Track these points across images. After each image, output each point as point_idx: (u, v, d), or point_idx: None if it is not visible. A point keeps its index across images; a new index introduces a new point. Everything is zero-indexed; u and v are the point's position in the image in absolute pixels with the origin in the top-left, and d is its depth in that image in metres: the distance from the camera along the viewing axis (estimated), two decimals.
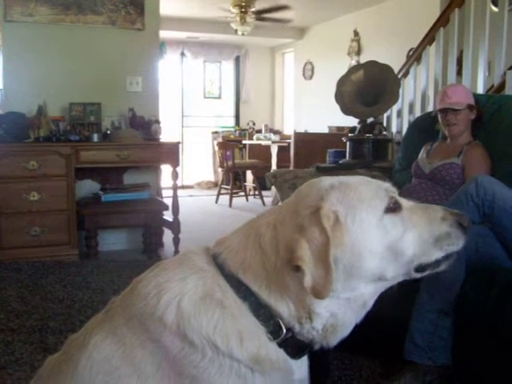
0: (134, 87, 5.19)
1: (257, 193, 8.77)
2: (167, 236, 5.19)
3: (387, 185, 1.14)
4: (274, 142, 9.09)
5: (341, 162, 4.92)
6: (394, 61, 5.65)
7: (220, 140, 9.73)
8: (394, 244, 1.07)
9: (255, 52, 11.70)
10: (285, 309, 1.06)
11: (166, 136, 5.50)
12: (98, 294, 3.67)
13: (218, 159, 8.99)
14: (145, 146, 4.86)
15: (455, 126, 3.06)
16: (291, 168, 7.00)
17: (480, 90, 4.74)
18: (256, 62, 11.75)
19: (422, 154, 3.28)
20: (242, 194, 9.02)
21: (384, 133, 5.05)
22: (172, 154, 4.93)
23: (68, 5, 4.84)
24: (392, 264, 1.08)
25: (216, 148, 8.85)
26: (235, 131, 11.30)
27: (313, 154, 6.78)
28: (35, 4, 4.73)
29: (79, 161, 4.56)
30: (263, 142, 9.51)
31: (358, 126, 5.01)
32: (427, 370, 2.26)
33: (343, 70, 5.40)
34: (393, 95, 4.77)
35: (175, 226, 4.99)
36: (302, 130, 9.04)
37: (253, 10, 8.20)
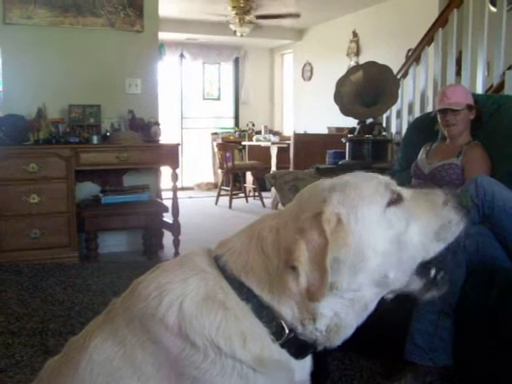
0: (133, 89, 5.19)
1: (256, 194, 8.77)
2: (167, 238, 5.18)
3: (386, 178, 1.14)
4: (273, 143, 9.09)
5: (340, 162, 4.92)
6: (393, 61, 5.65)
7: (219, 141, 9.72)
8: (398, 237, 1.07)
9: (254, 53, 11.71)
10: (288, 311, 1.05)
11: (166, 138, 5.50)
12: (99, 296, 3.66)
13: (217, 160, 8.99)
14: (144, 147, 4.86)
15: (454, 126, 3.06)
16: (291, 169, 7.01)
17: (479, 90, 4.74)
18: (255, 64, 11.75)
19: (421, 154, 3.28)
20: (242, 195, 9.02)
21: (383, 133, 5.05)
22: (171, 155, 4.93)
23: (67, 7, 4.84)
24: (396, 261, 1.07)
25: (215, 149, 8.85)
26: (235, 132, 11.31)
27: (312, 154, 6.77)
28: (34, 6, 4.74)
29: (79, 163, 4.56)
30: (263, 143, 9.51)
31: (358, 127, 5.01)
32: (428, 370, 2.26)
33: (342, 71, 5.40)
34: (392, 96, 4.77)
35: (175, 228, 4.99)
36: (302, 131, 9.04)
37: (256, 14, 8.21)
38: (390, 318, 2.57)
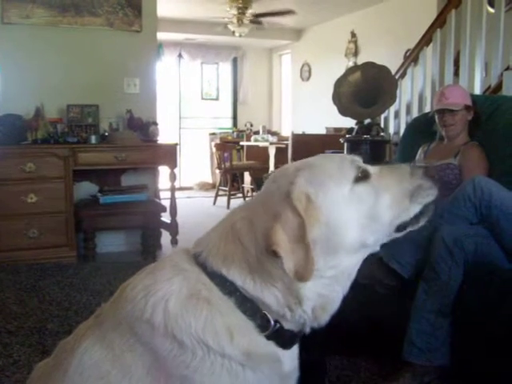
0: (131, 89, 5.18)
1: (254, 194, 8.76)
2: (165, 237, 5.19)
3: (351, 156, 1.16)
4: (271, 144, 9.08)
5: None
6: (392, 62, 5.65)
7: (217, 141, 9.72)
8: (370, 211, 1.08)
9: (252, 53, 11.71)
10: (272, 298, 1.06)
11: (164, 137, 5.51)
12: (96, 295, 3.66)
13: (215, 161, 8.98)
14: (143, 147, 4.85)
15: (452, 126, 3.06)
16: None
17: (477, 90, 4.74)
18: (253, 64, 11.76)
19: (419, 154, 3.28)
20: (240, 195, 9.02)
21: (381, 134, 5.06)
22: (170, 155, 4.93)
23: (65, 7, 4.84)
24: (373, 230, 1.09)
25: (214, 149, 8.84)
26: (233, 132, 11.30)
27: (310, 155, 6.63)
28: (32, 6, 4.73)
29: (77, 163, 4.55)
30: (261, 144, 9.50)
31: (356, 127, 5.01)
32: (425, 370, 2.26)
33: (340, 72, 5.41)
34: (390, 96, 4.77)
35: (173, 228, 4.99)
36: (300, 132, 9.03)
37: (253, 12, 8.21)
38: (388, 318, 2.58)
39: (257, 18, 8.48)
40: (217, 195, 8.65)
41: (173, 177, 5.01)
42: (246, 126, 11.56)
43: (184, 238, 5.02)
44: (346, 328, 2.18)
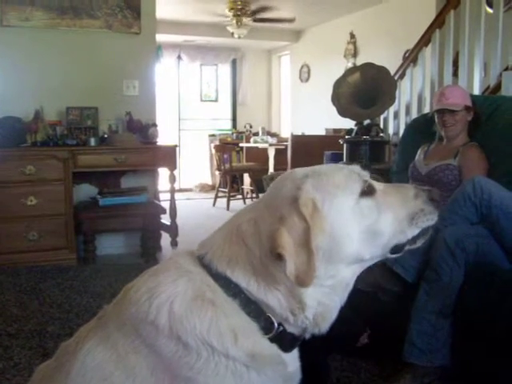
0: (130, 91, 5.19)
1: (254, 196, 8.77)
2: (165, 239, 5.18)
3: (359, 169, 1.16)
4: (271, 145, 9.09)
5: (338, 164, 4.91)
6: (391, 62, 5.65)
7: (217, 143, 9.72)
8: (371, 226, 1.09)
9: (251, 55, 11.71)
10: (275, 301, 1.06)
11: (163, 139, 5.51)
12: (97, 298, 3.66)
13: (215, 162, 8.99)
14: (142, 149, 4.86)
15: (452, 127, 3.06)
16: (288, 170, 6.99)
17: (476, 91, 4.74)
18: (252, 65, 11.76)
19: (418, 155, 3.28)
20: (240, 196, 9.02)
21: (381, 134, 5.05)
22: (169, 157, 4.94)
23: (64, 9, 4.84)
24: (370, 246, 1.10)
25: (213, 151, 8.84)
26: (232, 134, 11.30)
27: (310, 156, 6.75)
28: (31, 9, 4.73)
29: (77, 165, 4.55)
30: (260, 145, 9.51)
31: (355, 128, 5.01)
32: (426, 371, 2.26)
33: (339, 73, 5.41)
34: (389, 97, 4.77)
35: (173, 230, 4.99)
36: (299, 133, 9.04)
37: (249, 13, 8.23)
38: (388, 319, 2.58)
39: (256, 22, 8.50)
40: (216, 197, 8.65)
41: (172, 178, 5.01)
42: (245, 127, 11.55)
43: (184, 240, 5.02)
44: (346, 329, 2.18)
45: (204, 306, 1.04)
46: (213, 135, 11.11)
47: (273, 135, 10.74)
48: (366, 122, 5.00)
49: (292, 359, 1.14)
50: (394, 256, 1.17)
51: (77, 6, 4.87)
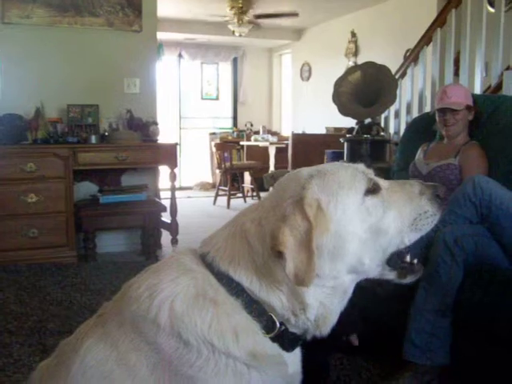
0: (131, 89, 5.19)
1: (255, 194, 8.77)
2: (165, 237, 5.19)
3: (363, 167, 1.17)
4: (271, 144, 9.10)
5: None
6: (392, 61, 5.65)
7: (218, 141, 9.73)
8: (376, 224, 1.09)
9: (252, 53, 11.71)
10: (277, 301, 1.07)
11: (164, 137, 5.51)
12: (97, 295, 3.66)
13: (215, 160, 8.99)
14: (143, 147, 4.85)
15: (453, 126, 3.06)
16: (289, 169, 7.00)
17: (477, 90, 4.74)
18: (253, 64, 11.76)
19: (418, 154, 3.28)
20: (240, 195, 9.03)
21: (381, 133, 5.05)
22: (170, 155, 4.93)
23: (65, 7, 4.84)
24: (371, 247, 1.09)
25: (214, 149, 8.85)
26: (233, 132, 11.31)
27: (311, 155, 6.78)
28: (32, 6, 4.73)
29: (77, 163, 4.55)
30: (261, 144, 9.51)
31: (356, 127, 5.01)
32: (426, 370, 2.26)
33: (340, 71, 5.41)
34: (390, 96, 4.77)
35: (173, 228, 4.99)
36: (300, 131, 9.04)
37: (255, 14, 8.22)
38: (388, 318, 2.58)
39: (258, 19, 8.49)
40: (217, 195, 8.66)
41: (173, 176, 5.01)
42: (246, 125, 11.56)
43: (184, 238, 5.02)
44: (347, 327, 2.18)
45: (205, 305, 1.04)
46: (213, 133, 11.11)
47: (273, 134, 10.74)
48: (367, 120, 5.00)
49: (293, 360, 1.14)
50: (391, 275, 1.17)
51: (78, 3, 4.87)
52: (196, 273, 1.09)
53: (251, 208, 1.17)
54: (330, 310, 1.10)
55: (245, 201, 8.89)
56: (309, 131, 9.04)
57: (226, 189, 8.45)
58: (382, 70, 4.77)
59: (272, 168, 8.57)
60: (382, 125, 5.58)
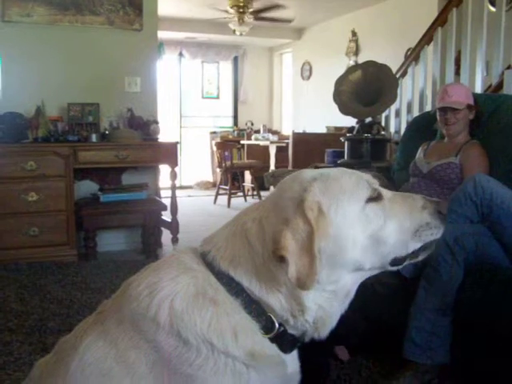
0: (132, 87, 5.19)
1: (255, 193, 8.78)
2: (166, 236, 5.19)
3: (368, 176, 1.16)
4: (272, 143, 9.09)
5: (339, 161, 4.92)
6: (392, 61, 5.65)
7: (218, 140, 9.73)
8: (376, 233, 1.09)
9: (253, 52, 11.71)
10: (276, 302, 1.07)
11: (165, 136, 5.51)
12: (97, 294, 3.66)
13: (216, 159, 8.99)
14: (143, 146, 4.85)
15: (454, 125, 3.06)
16: (290, 168, 7.00)
17: (478, 89, 4.74)
18: (254, 63, 11.76)
19: (419, 153, 3.28)
20: (241, 194, 9.02)
21: (382, 132, 5.05)
22: (170, 154, 4.93)
23: (66, 5, 4.84)
24: (371, 254, 1.09)
25: (214, 148, 8.84)
26: (233, 131, 11.31)
27: (311, 154, 6.79)
28: (33, 4, 4.73)
29: (78, 161, 4.55)
30: (261, 143, 9.51)
31: (357, 126, 5.01)
32: (426, 369, 2.26)
33: (341, 71, 5.41)
34: (391, 95, 4.77)
35: (174, 227, 4.99)
36: (301, 130, 9.04)
37: (251, 10, 8.22)
38: (388, 317, 2.58)
39: (256, 20, 8.49)
40: (217, 194, 8.66)
41: (173, 175, 5.01)
42: (246, 124, 11.56)
43: (184, 237, 5.02)
44: (346, 327, 2.18)
45: (205, 304, 1.04)
46: (214, 132, 11.11)
47: (274, 133, 10.74)
48: (368, 119, 5.00)
49: (292, 360, 1.14)
50: (394, 269, 1.16)
51: (79, 2, 4.87)
52: (196, 272, 1.09)
53: (252, 207, 1.17)
54: (329, 313, 1.10)
55: (245, 200, 8.89)
56: (309, 130, 9.04)
57: (227, 188, 8.45)
58: (383, 69, 4.77)
59: (272, 167, 8.57)
60: (383, 124, 5.58)
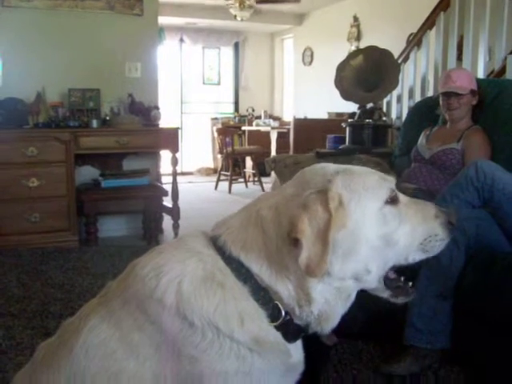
0: (132, 73, 5.16)
1: (256, 179, 8.77)
2: (167, 222, 5.19)
3: (390, 178, 1.18)
4: (273, 128, 9.07)
5: (340, 147, 4.91)
6: (394, 46, 5.61)
7: (219, 126, 9.71)
8: (388, 234, 1.10)
9: (254, 38, 11.65)
10: (284, 290, 1.07)
11: (165, 122, 5.49)
12: (98, 279, 3.68)
13: (217, 145, 8.98)
14: (144, 131, 4.85)
15: (456, 110, 3.05)
16: (291, 154, 6.99)
17: (480, 74, 4.72)
18: (255, 48, 11.70)
19: (421, 139, 3.27)
20: (242, 180, 9.01)
21: (384, 118, 5.03)
22: (171, 139, 4.92)
23: None
24: (378, 255, 1.10)
25: (215, 134, 8.83)
26: (234, 117, 11.28)
27: (312, 139, 6.76)
28: None
29: (78, 147, 4.55)
30: (262, 129, 9.49)
31: (358, 112, 4.99)
32: (427, 353, 2.27)
33: (343, 56, 5.37)
34: (392, 80, 4.75)
35: (175, 212, 4.99)
36: (302, 116, 9.01)
37: None
38: (389, 302, 2.59)
39: (260, 3, 8.42)
40: (218, 180, 8.66)
41: (174, 161, 5.00)
42: (247, 110, 11.53)
43: (186, 223, 5.03)
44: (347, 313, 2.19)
45: (213, 288, 1.04)
46: (215, 118, 11.09)
47: (275, 119, 10.71)
48: (369, 105, 4.98)
49: (296, 350, 1.14)
50: (384, 294, 1.20)
51: None
52: (205, 255, 1.09)
53: (268, 195, 1.17)
54: (333, 309, 1.10)
55: (246, 186, 8.89)
56: (310, 116, 9.00)
57: (228, 174, 8.45)
58: (385, 54, 4.75)
59: (274, 153, 8.54)
60: (384, 109, 5.57)
